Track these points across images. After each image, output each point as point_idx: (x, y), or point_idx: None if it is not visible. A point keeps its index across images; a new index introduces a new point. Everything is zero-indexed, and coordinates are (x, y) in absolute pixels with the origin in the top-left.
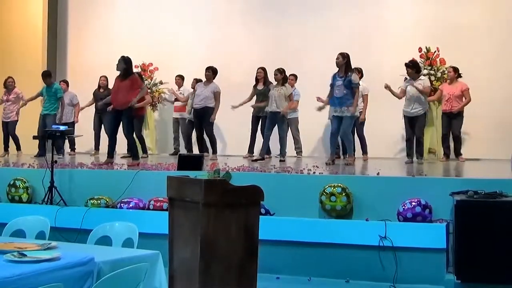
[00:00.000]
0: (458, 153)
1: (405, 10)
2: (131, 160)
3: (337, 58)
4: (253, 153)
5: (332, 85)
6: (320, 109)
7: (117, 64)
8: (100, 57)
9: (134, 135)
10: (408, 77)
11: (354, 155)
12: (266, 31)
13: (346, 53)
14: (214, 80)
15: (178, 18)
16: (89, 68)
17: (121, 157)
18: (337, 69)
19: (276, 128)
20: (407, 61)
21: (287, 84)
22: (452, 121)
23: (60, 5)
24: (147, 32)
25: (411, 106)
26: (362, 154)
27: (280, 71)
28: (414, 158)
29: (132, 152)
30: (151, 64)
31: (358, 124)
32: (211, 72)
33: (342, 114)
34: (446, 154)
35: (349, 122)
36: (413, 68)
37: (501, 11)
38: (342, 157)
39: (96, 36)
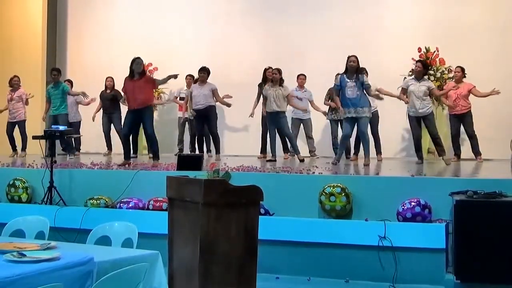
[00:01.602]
0: (477, 152)
1: (405, 10)
2: (153, 160)
3: (353, 61)
4: (266, 152)
5: (341, 87)
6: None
7: (137, 66)
8: (100, 57)
9: (137, 133)
10: (407, 77)
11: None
12: (266, 31)
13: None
14: (208, 80)
15: (178, 18)
16: (89, 68)
17: (120, 163)
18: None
19: (278, 129)
20: (419, 59)
21: (284, 84)
22: (463, 121)
23: (60, 5)
24: (147, 32)
25: (418, 106)
26: (376, 154)
27: (279, 71)
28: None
29: (153, 150)
30: (151, 64)
31: (374, 123)
32: (206, 73)
33: (358, 115)
34: (457, 155)
35: (366, 123)
36: (424, 67)
37: (501, 11)
38: (353, 156)
39: (96, 36)
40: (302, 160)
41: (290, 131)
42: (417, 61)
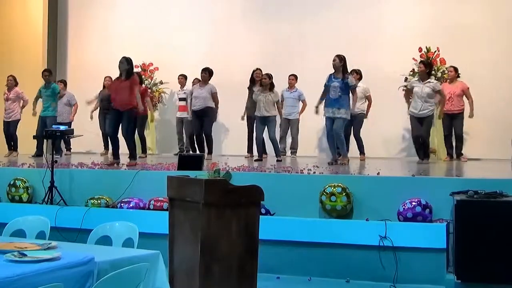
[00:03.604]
0: (459, 153)
1: (405, 11)
2: (129, 160)
3: (334, 60)
4: (253, 153)
5: (326, 86)
6: (317, 110)
7: (119, 65)
8: (100, 57)
9: (136, 134)
10: (408, 77)
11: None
12: (266, 31)
13: (343, 55)
14: (210, 81)
15: (178, 18)
16: (89, 68)
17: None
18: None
19: (265, 131)
20: (422, 60)
21: (275, 90)
22: (454, 121)
23: (60, 5)
24: (147, 32)
25: (419, 107)
26: (360, 154)
27: (269, 75)
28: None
29: (130, 152)
30: (151, 64)
31: (355, 124)
32: (208, 73)
33: (334, 115)
34: (450, 154)
35: (340, 124)
36: (426, 67)
37: (502, 11)
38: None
39: (96, 36)
40: (279, 160)
41: (275, 136)
42: (419, 62)
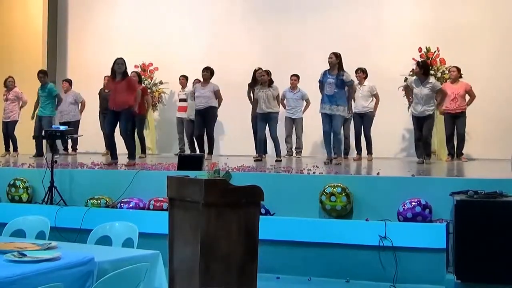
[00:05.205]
0: (460, 153)
1: (405, 10)
2: (128, 160)
3: (331, 58)
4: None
5: (321, 82)
6: None
7: (119, 66)
8: (100, 57)
9: (136, 134)
10: (408, 77)
11: (343, 155)
12: (266, 31)
13: (339, 53)
14: (211, 80)
15: (178, 18)
16: (89, 68)
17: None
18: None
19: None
20: (419, 60)
21: (274, 85)
22: (457, 120)
23: (60, 5)
24: (147, 32)
25: (420, 107)
26: (367, 154)
27: (268, 72)
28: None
29: (129, 151)
30: (151, 64)
31: (365, 123)
32: (209, 72)
33: (332, 113)
34: (451, 154)
35: (339, 122)
36: (421, 68)
37: (502, 11)
38: (356, 156)
39: (96, 36)
40: (279, 160)
41: (277, 135)
42: (415, 64)
